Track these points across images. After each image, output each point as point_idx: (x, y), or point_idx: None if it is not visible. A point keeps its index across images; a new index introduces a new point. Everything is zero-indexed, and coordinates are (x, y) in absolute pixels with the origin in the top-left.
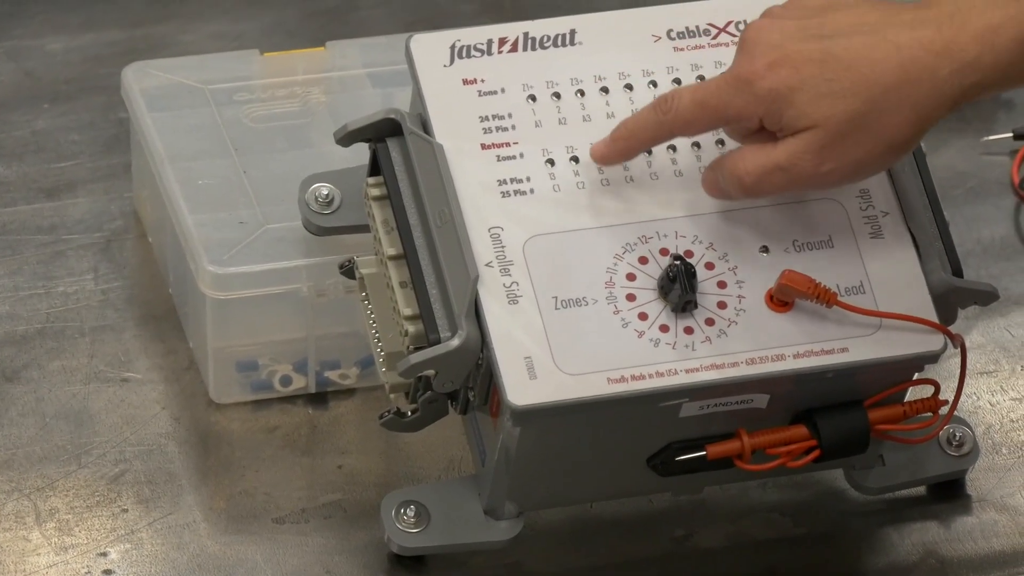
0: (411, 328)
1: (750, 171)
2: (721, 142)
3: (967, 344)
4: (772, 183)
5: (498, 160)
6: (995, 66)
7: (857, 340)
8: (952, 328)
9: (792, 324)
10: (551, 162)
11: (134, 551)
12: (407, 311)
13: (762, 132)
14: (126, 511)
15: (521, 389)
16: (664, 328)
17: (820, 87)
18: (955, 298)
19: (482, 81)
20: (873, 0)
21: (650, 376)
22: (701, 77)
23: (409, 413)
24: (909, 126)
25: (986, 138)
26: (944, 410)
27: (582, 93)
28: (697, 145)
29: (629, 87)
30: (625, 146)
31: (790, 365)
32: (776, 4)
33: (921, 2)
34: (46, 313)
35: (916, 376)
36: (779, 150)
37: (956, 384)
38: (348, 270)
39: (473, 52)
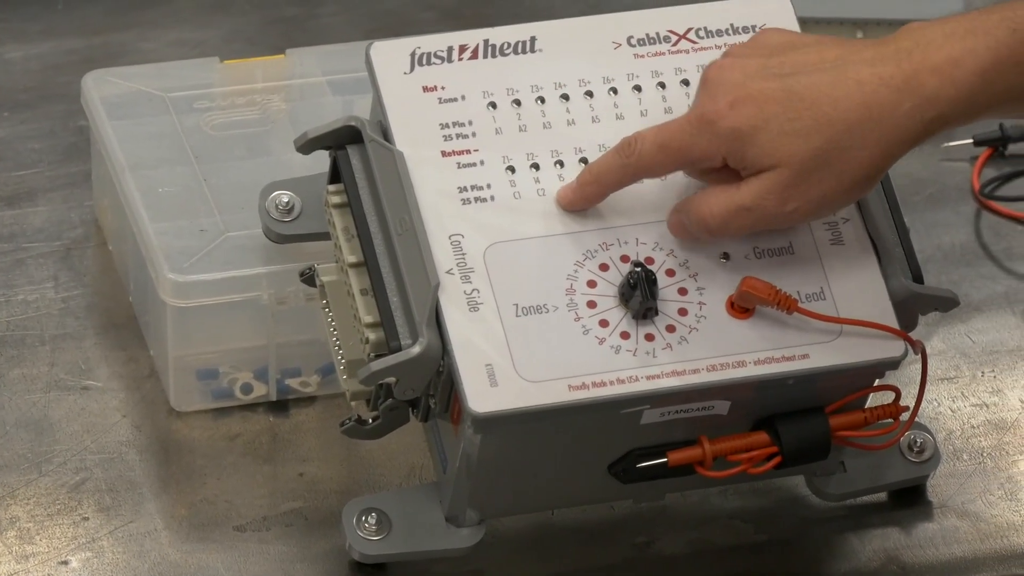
0: (372, 335)
1: (715, 213)
2: None
3: (928, 350)
4: (737, 224)
5: (458, 167)
6: (956, 99)
7: (818, 347)
8: (913, 334)
9: (753, 331)
10: (511, 169)
11: (95, 559)
12: (368, 319)
13: (725, 171)
14: (87, 519)
15: (482, 396)
16: (625, 335)
17: (783, 125)
18: (916, 304)
19: (442, 88)
20: (834, 38)
21: (611, 383)
22: (662, 84)
23: (370, 421)
24: (872, 162)
25: (946, 144)
26: (905, 416)
27: (542, 100)
28: None
29: (590, 94)
30: (593, 191)
31: (751, 372)
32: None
33: (881, 39)
34: (6, 321)
35: (877, 382)
36: (743, 191)
37: (917, 390)
38: (309, 278)
39: (433, 59)
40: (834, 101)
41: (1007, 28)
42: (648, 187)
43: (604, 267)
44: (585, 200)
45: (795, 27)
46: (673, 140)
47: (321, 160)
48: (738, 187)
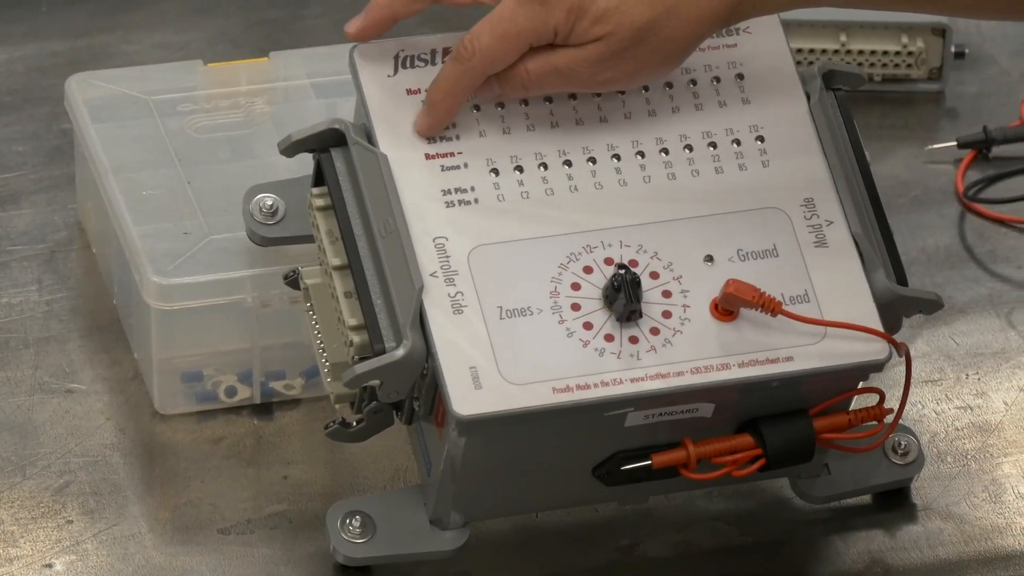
0: (356, 338)
1: (531, 70)
2: (665, 151)
3: (912, 353)
4: (551, 84)
5: (442, 170)
6: None
7: (802, 349)
8: (897, 337)
9: (737, 333)
10: (495, 172)
11: (79, 562)
12: (352, 321)
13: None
14: (71, 522)
15: (466, 399)
16: (609, 337)
17: (610, 2)
18: (900, 307)
19: (426, 91)
20: None
21: (595, 386)
22: (646, 87)
23: (354, 423)
24: (687, 38)
25: (930, 147)
26: (889, 419)
27: (526, 103)
28: (641, 154)
29: (572, 96)
30: (447, 106)
31: (735, 374)
32: None
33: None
34: None
35: (861, 385)
36: (560, 55)
37: (901, 393)
38: (293, 280)
39: (417, 62)
40: None
41: None
42: (632, 191)
43: (588, 270)
44: (440, 117)
45: (778, 30)
46: (511, 27)
47: (305, 163)
48: (555, 50)
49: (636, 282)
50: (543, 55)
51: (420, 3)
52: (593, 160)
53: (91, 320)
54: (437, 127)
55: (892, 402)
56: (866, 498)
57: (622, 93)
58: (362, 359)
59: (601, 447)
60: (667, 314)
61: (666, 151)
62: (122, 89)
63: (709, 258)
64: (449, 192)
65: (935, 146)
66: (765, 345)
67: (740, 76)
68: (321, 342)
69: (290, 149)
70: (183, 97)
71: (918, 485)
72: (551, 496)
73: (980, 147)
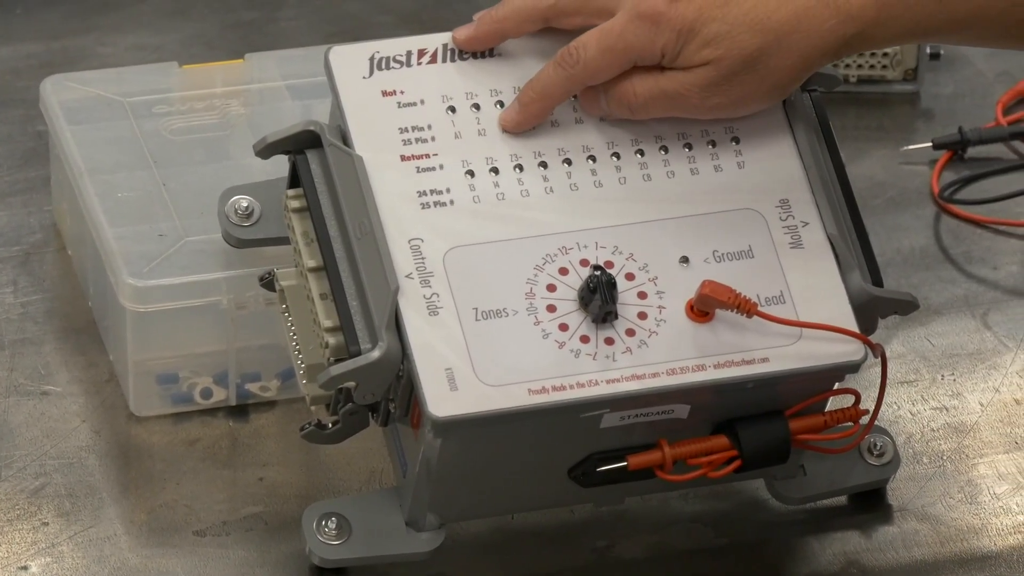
0: (331, 340)
1: (639, 93)
2: (641, 152)
3: (887, 354)
4: (658, 107)
5: (418, 171)
6: (876, 20)
7: (777, 350)
8: (872, 338)
9: (712, 334)
10: (471, 173)
11: (55, 564)
12: (327, 323)
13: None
14: (47, 524)
15: (442, 400)
16: (585, 339)
17: (719, 27)
18: (875, 308)
19: (401, 92)
20: None
21: (571, 387)
22: None
23: (330, 425)
24: (795, 70)
25: (905, 148)
26: (865, 420)
27: (501, 104)
28: (617, 155)
29: None
30: (538, 108)
31: (710, 375)
32: None
33: None
34: None
35: (837, 386)
36: (669, 77)
37: (877, 394)
38: (268, 282)
39: (392, 64)
40: (768, 10)
41: None
42: (607, 192)
43: (564, 271)
44: (531, 118)
45: None
46: (618, 42)
47: (280, 165)
48: (664, 73)
49: (611, 283)
50: (652, 77)
51: (531, 24)
52: (568, 162)
53: (66, 322)
54: (524, 125)
55: (868, 403)
56: (842, 499)
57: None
58: (338, 361)
59: (577, 448)
60: (643, 315)
61: (641, 152)
62: (97, 91)
63: (685, 259)
64: (425, 193)
65: (910, 147)
66: (740, 346)
67: None
68: (297, 344)
69: (265, 151)
70: (158, 99)
71: (894, 486)
72: (527, 498)
73: (955, 148)
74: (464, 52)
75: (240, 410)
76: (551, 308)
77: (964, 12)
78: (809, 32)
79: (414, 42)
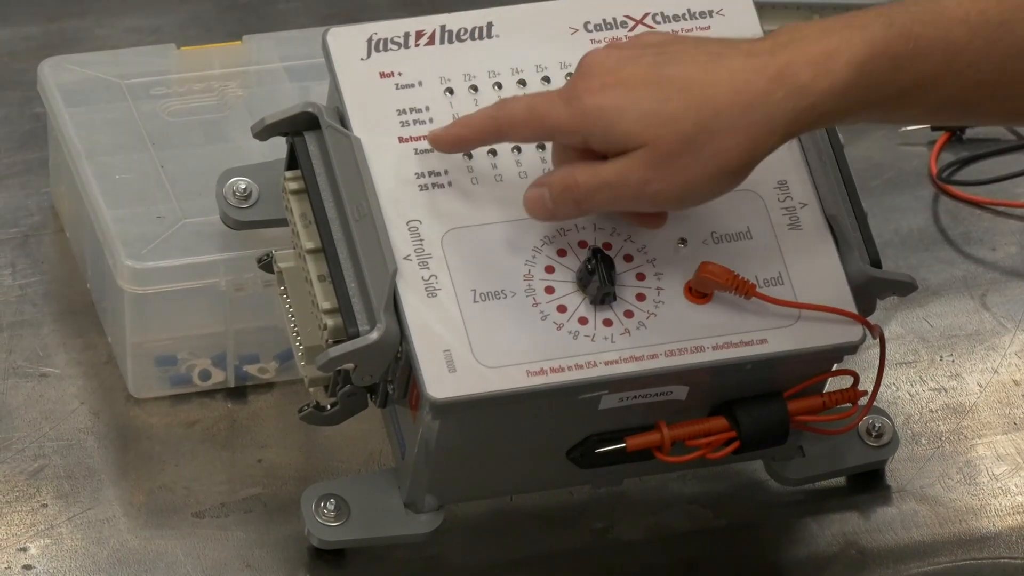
0: (330, 322)
1: (580, 183)
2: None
3: (886, 335)
4: (601, 199)
5: (416, 153)
6: (830, 91)
7: (776, 331)
8: (871, 319)
9: (711, 316)
10: (469, 155)
11: (54, 546)
12: (325, 305)
13: (589, 154)
14: (45, 506)
15: (440, 382)
16: (583, 320)
17: (652, 107)
18: (874, 289)
19: (399, 74)
20: (716, 37)
21: (569, 368)
22: None
23: (328, 407)
24: (741, 151)
25: (904, 128)
26: (863, 401)
27: (499, 86)
28: None
29: (547, 80)
30: (458, 134)
31: (709, 357)
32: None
33: (759, 37)
34: None
35: (835, 367)
36: (608, 166)
37: (875, 375)
38: (266, 264)
39: (390, 45)
40: (704, 86)
41: (883, 23)
42: None
43: (562, 252)
44: (450, 141)
45: (752, 12)
46: (540, 106)
47: (278, 146)
48: (604, 164)
49: (610, 265)
50: (592, 167)
51: (488, 137)
52: (542, 146)
53: (65, 304)
54: (439, 145)
55: (866, 384)
56: (840, 480)
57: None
58: (336, 342)
59: (575, 430)
60: (641, 297)
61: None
62: (95, 73)
63: (683, 241)
64: (423, 175)
65: (909, 128)
66: (739, 328)
67: None
68: (295, 326)
69: (263, 132)
70: (156, 81)
71: (892, 467)
72: (525, 479)
73: (954, 129)
74: (462, 34)
75: (239, 392)
76: (549, 289)
77: (923, 75)
78: (753, 108)
79: (412, 24)
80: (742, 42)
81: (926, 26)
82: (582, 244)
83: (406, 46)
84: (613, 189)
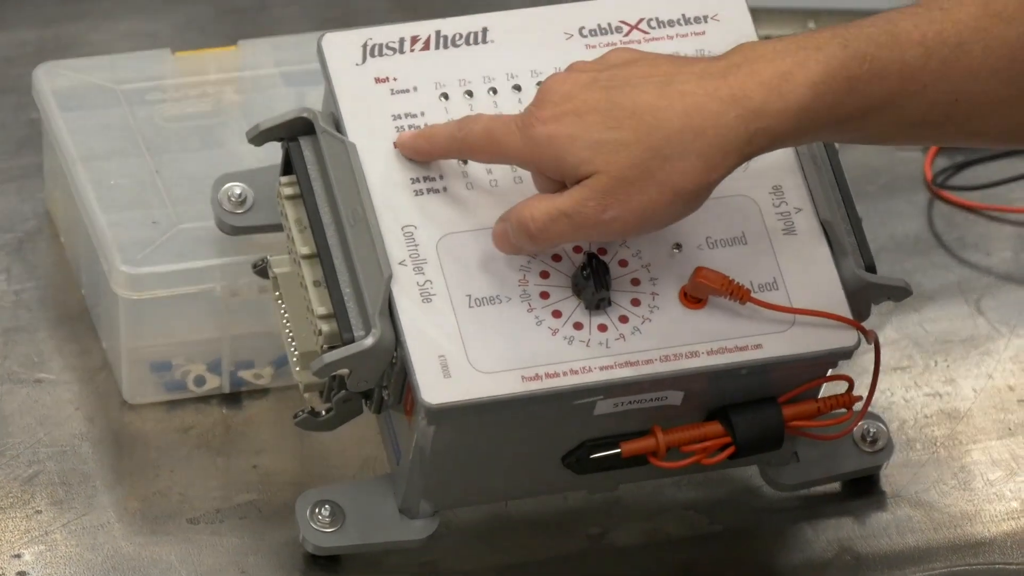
0: (325, 327)
1: (536, 217)
2: None
3: (881, 340)
4: (557, 230)
5: (411, 158)
6: (784, 112)
7: (771, 337)
8: (866, 324)
9: (706, 321)
10: (464, 161)
11: (48, 552)
12: (321, 310)
13: (561, 187)
14: (40, 512)
15: (435, 388)
16: (578, 325)
17: (603, 134)
18: (868, 294)
19: (394, 79)
20: (674, 56)
21: (564, 374)
22: None
23: (323, 412)
24: (696, 174)
25: None
26: (858, 406)
27: (495, 91)
28: None
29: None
30: (423, 146)
31: (704, 362)
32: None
33: (714, 56)
34: None
35: (830, 372)
36: (564, 196)
37: (870, 380)
38: (261, 269)
39: (385, 50)
40: (656, 110)
41: (839, 43)
42: None
43: (557, 258)
44: (414, 151)
45: (747, 17)
46: (497, 131)
47: (274, 152)
48: (560, 193)
49: (605, 270)
50: (549, 199)
51: (450, 155)
52: None
53: (60, 310)
54: (405, 152)
55: (861, 389)
56: (835, 485)
57: None
58: (331, 348)
59: (570, 435)
60: (636, 302)
61: None
62: (90, 78)
63: (678, 246)
64: (418, 180)
65: None
66: (734, 333)
67: None
68: (290, 331)
69: (259, 138)
70: (151, 86)
71: (887, 472)
72: (521, 485)
73: None
74: (457, 39)
75: (233, 398)
76: (544, 295)
77: (879, 97)
78: (704, 131)
79: (407, 29)
80: (697, 63)
81: (882, 48)
82: (577, 249)
83: (401, 51)
84: (571, 219)
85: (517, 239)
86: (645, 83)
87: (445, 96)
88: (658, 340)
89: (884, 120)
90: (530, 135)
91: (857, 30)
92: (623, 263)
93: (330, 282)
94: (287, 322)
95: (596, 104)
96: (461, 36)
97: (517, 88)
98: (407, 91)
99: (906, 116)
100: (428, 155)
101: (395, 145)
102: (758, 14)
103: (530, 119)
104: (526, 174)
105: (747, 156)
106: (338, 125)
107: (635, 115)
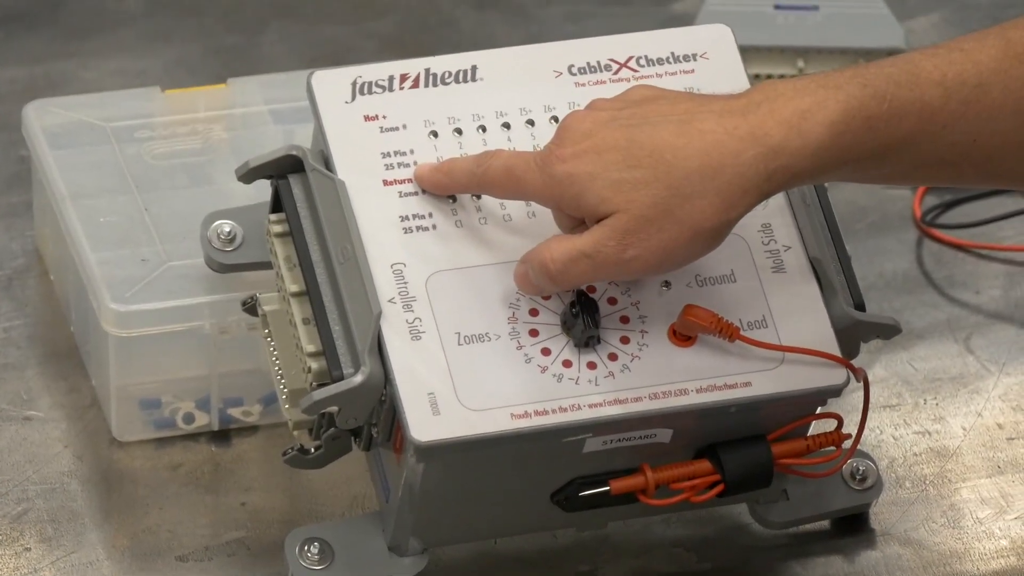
0: (314, 365)
1: (556, 258)
2: None
3: (870, 378)
4: (578, 271)
5: (400, 196)
6: (802, 150)
7: (760, 374)
8: (855, 362)
9: (695, 359)
10: (453, 198)
11: None
12: (310, 348)
13: (579, 222)
14: (29, 550)
15: (424, 425)
16: (567, 363)
17: (622, 173)
18: (857, 332)
19: (384, 117)
20: (694, 94)
21: (553, 411)
22: None
23: (312, 450)
24: (715, 212)
25: None
26: (847, 444)
27: (484, 129)
28: None
29: (531, 123)
30: (442, 180)
31: (693, 400)
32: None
33: (734, 94)
34: None
35: (819, 410)
36: (584, 237)
37: (859, 418)
38: (251, 307)
39: (375, 88)
40: (675, 149)
41: (858, 83)
42: None
43: (546, 296)
44: (433, 185)
45: (736, 56)
46: (517, 169)
47: (263, 189)
48: (581, 234)
49: (594, 308)
50: (568, 239)
51: (467, 190)
52: None
53: (49, 347)
54: (424, 185)
55: (850, 427)
56: (824, 523)
57: None
58: (320, 385)
59: (560, 473)
60: (625, 340)
61: None
62: (80, 116)
63: (667, 284)
64: (407, 218)
65: None
66: (723, 370)
67: None
68: (279, 368)
69: (248, 175)
70: (141, 124)
71: (876, 510)
72: (510, 522)
73: None
74: (447, 77)
75: (222, 435)
76: (534, 332)
77: (898, 137)
78: (724, 170)
79: (397, 67)
80: (716, 100)
81: (901, 87)
82: None
83: (391, 89)
84: (591, 259)
85: (538, 280)
86: (664, 121)
87: (434, 134)
88: (647, 378)
89: (902, 160)
90: (550, 173)
91: (877, 69)
92: (612, 301)
93: (319, 320)
94: (276, 359)
95: (616, 142)
96: (451, 74)
97: (506, 126)
98: (396, 129)
99: (925, 156)
100: (446, 189)
101: (416, 175)
102: (747, 52)
103: (550, 157)
104: (516, 213)
105: (766, 194)
106: (327, 163)
107: (654, 153)
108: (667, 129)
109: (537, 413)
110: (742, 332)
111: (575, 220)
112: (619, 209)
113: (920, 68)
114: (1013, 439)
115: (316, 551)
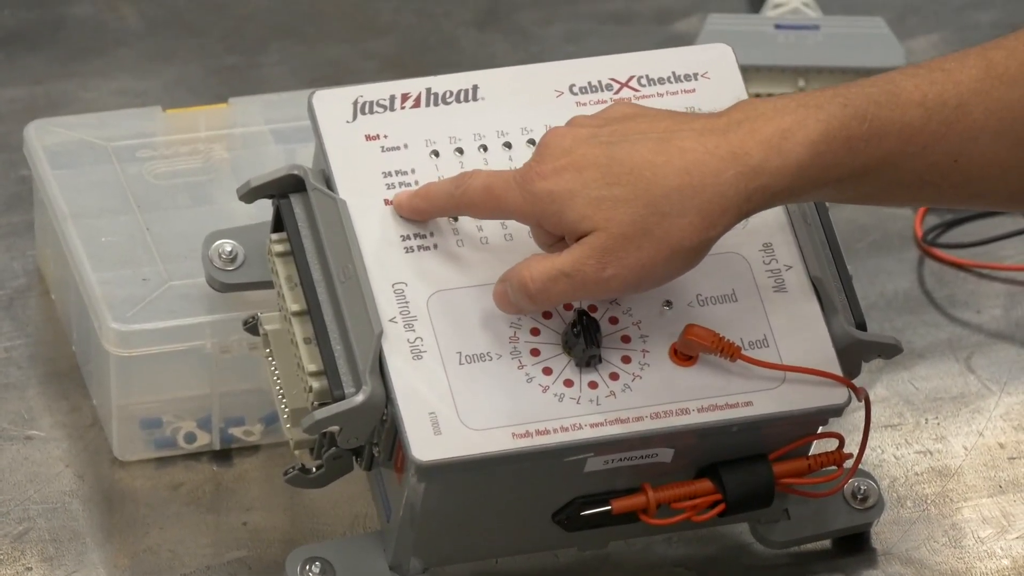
0: (315, 384)
1: (535, 278)
2: None
3: (871, 397)
4: (557, 290)
5: (401, 215)
6: (782, 170)
7: (761, 394)
8: (856, 381)
9: (696, 378)
10: (454, 218)
11: None
12: (311, 367)
13: (561, 242)
14: (30, 569)
15: (426, 445)
16: (568, 383)
17: (601, 191)
18: (859, 351)
19: (385, 137)
20: (675, 112)
21: (555, 431)
22: None
23: (314, 469)
24: (694, 231)
25: None
26: (849, 463)
27: (485, 148)
28: None
29: (532, 142)
30: (420, 205)
31: (694, 419)
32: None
33: (715, 113)
34: None
35: (820, 429)
36: (563, 256)
37: (861, 437)
38: (252, 326)
39: (376, 108)
40: (655, 167)
41: (839, 103)
42: None
43: (547, 315)
44: (412, 211)
45: (737, 75)
46: (496, 188)
47: (264, 209)
48: (560, 253)
49: (595, 327)
50: (548, 258)
51: (447, 212)
52: None
53: (50, 367)
54: (402, 212)
55: (851, 447)
56: (826, 543)
57: None
58: (321, 405)
59: (561, 493)
60: (626, 359)
61: None
62: (81, 135)
63: (668, 303)
64: (408, 237)
65: None
66: (724, 390)
67: None
68: (280, 388)
69: (249, 195)
70: (142, 143)
71: (878, 530)
72: (511, 542)
73: None
74: (448, 97)
75: (224, 454)
76: (535, 352)
77: (878, 157)
78: (703, 188)
79: (398, 86)
80: (697, 119)
81: (882, 107)
82: (567, 306)
83: (392, 109)
84: (570, 279)
85: (517, 299)
86: (644, 139)
87: (436, 153)
88: (648, 397)
89: (883, 180)
90: (530, 190)
91: (858, 89)
92: (613, 320)
93: (320, 339)
94: (277, 379)
95: (595, 159)
96: (452, 94)
97: (508, 145)
98: (397, 148)
99: (905, 176)
100: (426, 214)
101: (393, 206)
102: (748, 72)
103: (530, 174)
104: (516, 231)
105: (746, 213)
106: (329, 182)
107: (634, 171)
108: (647, 147)
109: (538, 433)
110: (743, 351)
111: (554, 237)
112: (598, 227)
113: (901, 88)
114: (1014, 458)
115: (317, 570)
